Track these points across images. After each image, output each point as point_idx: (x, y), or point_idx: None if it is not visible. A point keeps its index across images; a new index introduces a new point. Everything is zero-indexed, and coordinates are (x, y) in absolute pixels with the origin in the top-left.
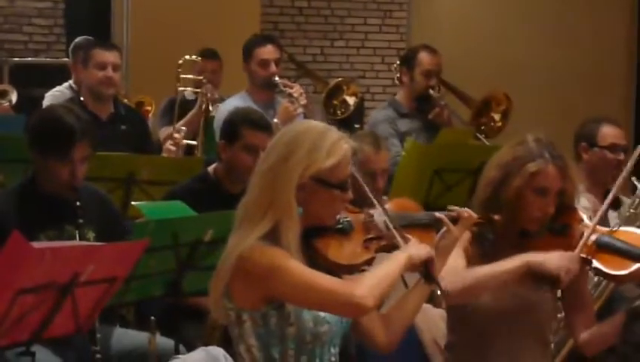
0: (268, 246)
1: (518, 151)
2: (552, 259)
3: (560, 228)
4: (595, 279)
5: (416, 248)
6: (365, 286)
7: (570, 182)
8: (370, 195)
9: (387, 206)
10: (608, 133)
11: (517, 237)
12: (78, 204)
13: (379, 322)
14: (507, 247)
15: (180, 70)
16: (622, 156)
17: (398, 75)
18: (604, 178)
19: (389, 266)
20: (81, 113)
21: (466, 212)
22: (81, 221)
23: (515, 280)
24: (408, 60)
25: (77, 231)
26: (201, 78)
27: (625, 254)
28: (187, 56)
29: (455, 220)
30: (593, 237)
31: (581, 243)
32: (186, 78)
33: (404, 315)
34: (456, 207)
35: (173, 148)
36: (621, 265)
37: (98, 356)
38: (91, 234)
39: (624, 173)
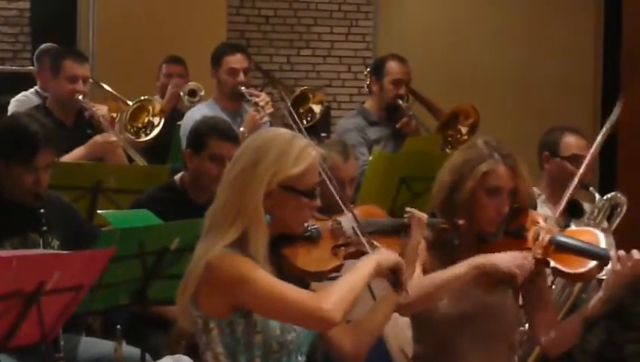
0: (237, 255)
1: (468, 154)
2: (504, 259)
3: (515, 231)
4: (558, 283)
5: (384, 255)
6: (333, 299)
7: (522, 181)
8: (340, 201)
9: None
10: (570, 143)
11: (474, 241)
12: (42, 211)
13: (346, 332)
14: (465, 252)
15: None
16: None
17: (368, 83)
18: (564, 188)
19: (357, 274)
20: (45, 120)
21: (416, 214)
22: (45, 228)
23: (469, 283)
24: (377, 69)
25: (41, 239)
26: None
27: (581, 252)
28: None
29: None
30: (548, 237)
31: (537, 243)
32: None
33: (372, 326)
34: (410, 209)
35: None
36: (578, 264)
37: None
38: (55, 242)
39: (575, 180)
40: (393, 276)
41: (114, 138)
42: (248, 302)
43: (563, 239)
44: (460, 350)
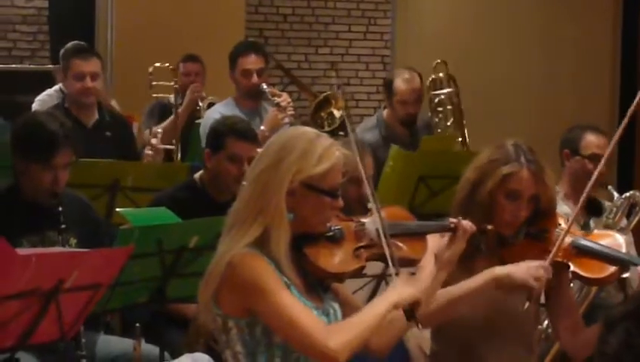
0: (260, 258)
1: (495, 154)
2: (519, 270)
3: (537, 233)
4: (576, 281)
5: (403, 292)
6: (341, 339)
7: (546, 188)
8: (372, 199)
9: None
10: (591, 142)
11: (494, 243)
12: (59, 209)
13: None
14: (486, 254)
15: (151, 77)
16: (603, 168)
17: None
18: (584, 186)
19: (372, 313)
20: (64, 120)
21: (468, 224)
22: (63, 226)
23: (485, 296)
24: (387, 87)
25: (59, 237)
26: (172, 84)
27: (602, 257)
28: (157, 64)
29: (454, 231)
30: (569, 240)
31: (556, 246)
32: (160, 85)
33: (392, 333)
34: (455, 219)
35: (150, 152)
36: (598, 269)
37: (83, 361)
38: (73, 241)
39: (592, 179)
40: (410, 309)
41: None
42: (258, 312)
43: (585, 243)
44: (480, 351)
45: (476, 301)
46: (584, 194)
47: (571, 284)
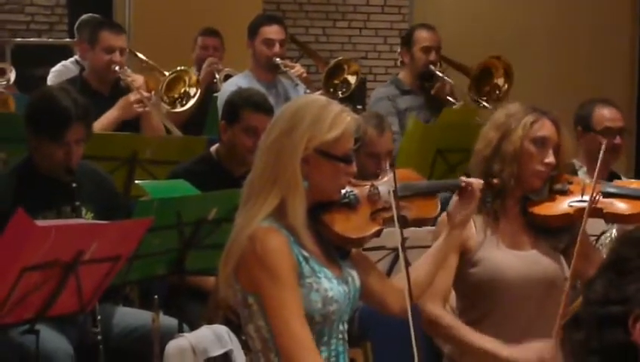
0: (281, 237)
1: (511, 109)
2: (528, 356)
3: (560, 188)
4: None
5: None
6: None
7: (566, 137)
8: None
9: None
10: (603, 116)
11: (520, 201)
12: (74, 185)
13: (393, 294)
14: (511, 211)
15: None
16: (617, 140)
17: (400, 59)
18: (604, 161)
19: None
20: (78, 96)
21: (476, 181)
22: (77, 203)
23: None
24: (407, 40)
25: (74, 214)
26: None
27: (631, 197)
28: None
29: (463, 188)
30: (596, 187)
31: (589, 201)
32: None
33: (421, 286)
34: (465, 178)
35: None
36: (633, 206)
37: (99, 337)
38: (89, 215)
39: (602, 149)
40: None
41: (146, 94)
42: (261, 293)
43: (611, 188)
44: (509, 310)
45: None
46: (599, 162)
47: (607, 232)
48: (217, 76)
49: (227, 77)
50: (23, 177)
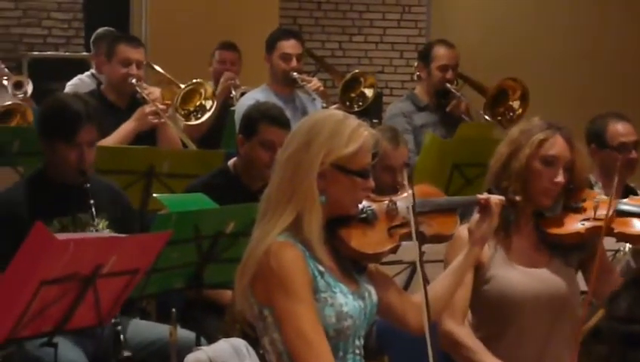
0: (296, 252)
1: (525, 126)
2: None
3: (574, 206)
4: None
5: None
6: None
7: (579, 154)
8: (407, 180)
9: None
10: (617, 131)
11: (532, 217)
12: (87, 185)
13: (412, 310)
14: (523, 228)
15: None
16: (633, 154)
17: (417, 74)
18: (619, 176)
19: None
20: (89, 99)
21: (497, 197)
22: (92, 201)
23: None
24: (425, 55)
25: (90, 211)
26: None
27: None
28: None
29: (483, 205)
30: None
31: (606, 218)
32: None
33: (439, 305)
34: (484, 195)
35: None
36: None
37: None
38: (104, 223)
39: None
40: None
41: (162, 106)
42: (274, 307)
43: (626, 206)
44: (524, 324)
45: None
46: (616, 178)
47: (621, 248)
48: (234, 93)
49: (243, 94)
50: (37, 186)
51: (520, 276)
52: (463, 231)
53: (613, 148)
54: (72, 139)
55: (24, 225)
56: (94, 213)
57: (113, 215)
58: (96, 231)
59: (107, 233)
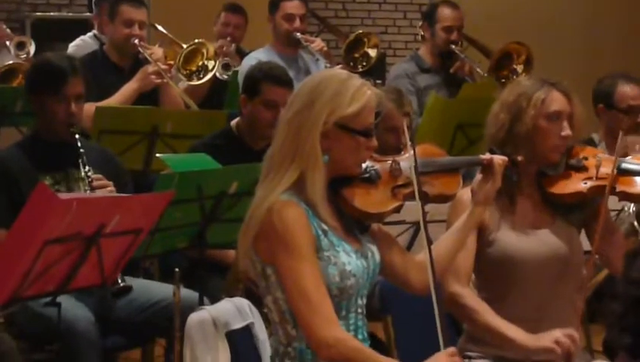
0: (299, 210)
1: (519, 88)
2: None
3: (576, 163)
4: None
5: None
6: (340, 344)
7: (577, 106)
8: (410, 139)
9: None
10: (625, 93)
11: (535, 177)
12: (77, 136)
13: (414, 270)
14: (526, 188)
15: None
16: None
17: (421, 33)
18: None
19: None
20: (74, 57)
21: (500, 157)
22: (82, 151)
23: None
24: (429, 16)
25: (80, 161)
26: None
27: None
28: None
29: (486, 165)
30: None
31: (600, 171)
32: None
33: (443, 263)
34: (488, 154)
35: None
36: None
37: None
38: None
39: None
40: None
41: (164, 66)
42: (277, 265)
43: (627, 164)
44: (528, 287)
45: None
46: (619, 140)
47: (625, 207)
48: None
49: (239, 48)
50: (29, 146)
51: (522, 237)
52: (465, 193)
53: (621, 110)
54: (59, 92)
55: (17, 181)
56: (84, 160)
57: (107, 176)
58: (89, 182)
59: (109, 191)
